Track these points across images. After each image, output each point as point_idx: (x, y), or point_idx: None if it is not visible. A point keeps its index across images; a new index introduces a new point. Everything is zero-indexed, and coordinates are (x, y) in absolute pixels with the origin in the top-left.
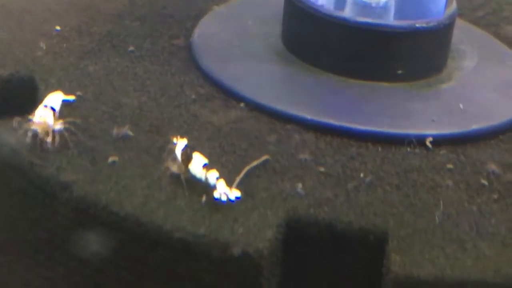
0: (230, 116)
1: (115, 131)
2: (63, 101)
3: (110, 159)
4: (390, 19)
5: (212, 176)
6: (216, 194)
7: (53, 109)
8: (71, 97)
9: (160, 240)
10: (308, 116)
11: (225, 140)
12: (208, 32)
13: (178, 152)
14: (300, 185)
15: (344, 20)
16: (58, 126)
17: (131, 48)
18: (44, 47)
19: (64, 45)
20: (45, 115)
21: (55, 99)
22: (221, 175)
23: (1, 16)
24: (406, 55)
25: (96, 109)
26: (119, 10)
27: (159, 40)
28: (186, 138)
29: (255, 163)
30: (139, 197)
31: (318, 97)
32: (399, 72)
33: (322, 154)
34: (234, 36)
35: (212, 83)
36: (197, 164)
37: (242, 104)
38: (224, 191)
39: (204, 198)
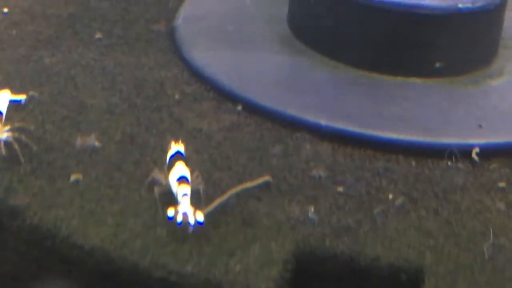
0: (224, 122)
1: (78, 141)
2: (11, 101)
3: (73, 178)
4: None
5: (181, 191)
6: (169, 213)
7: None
8: (21, 97)
9: (137, 280)
10: (323, 121)
11: (217, 152)
12: (195, 14)
13: (168, 158)
14: (312, 209)
15: (367, 0)
16: (4, 134)
17: (98, 35)
18: None
19: (14, 31)
20: None
21: (0, 99)
22: (207, 197)
23: None
24: (446, 44)
25: (54, 112)
26: None
27: (134, 25)
28: (180, 141)
29: (248, 184)
30: (109, 226)
31: (335, 98)
32: (437, 65)
33: (341, 169)
34: (228, 19)
35: (201, 79)
36: (173, 175)
37: (239, 107)
38: (184, 211)
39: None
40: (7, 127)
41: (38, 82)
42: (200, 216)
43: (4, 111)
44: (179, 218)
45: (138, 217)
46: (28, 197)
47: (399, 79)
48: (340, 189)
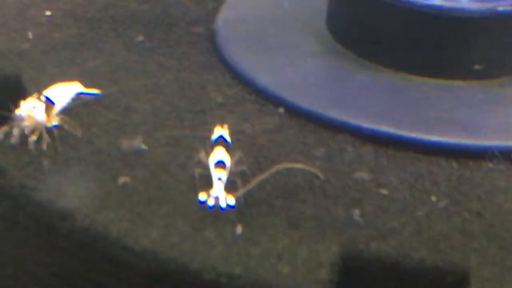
0: (266, 124)
1: (125, 144)
2: (80, 94)
3: (121, 180)
4: (465, 1)
5: (215, 175)
6: (201, 197)
7: (50, 101)
8: (95, 91)
9: (186, 282)
10: (364, 124)
11: (261, 155)
12: (234, 17)
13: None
14: (357, 212)
15: (407, 2)
16: (52, 123)
17: (139, 38)
18: (32, 38)
19: (56, 34)
20: (34, 107)
21: (62, 90)
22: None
23: None
24: (486, 46)
25: (100, 116)
26: None
27: (174, 28)
28: (226, 125)
29: (298, 165)
30: (158, 228)
31: (376, 100)
32: (477, 67)
33: (384, 172)
34: (268, 21)
35: (243, 82)
36: (212, 159)
37: (281, 109)
38: (217, 195)
39: (239, 229)
40: (58, 118)
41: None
42: (232, 200)
43: (60, 103)
44: (211, 202)
45: (187, 219)
46: (78, 200)
47: (440, 81)
48: (384, 191)
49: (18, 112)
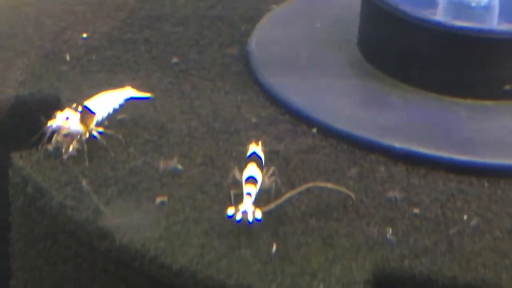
0: (300, 145)
1: (161, 164)
2: (130, 99)
3: (158, 200)
4: (494, 23)
5: (245, 190)
6: (229, 211)
7: (90, 111)
8: (146, 95)
9: None
10: (397, 144)
11: (294, 174)
12: (267, 39)
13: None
14: (390, 231)
15: (438, 24)
16: (93, 132)
17: (174, 59)
18: (69, 59)
19: (93, 56)
20: (67, 118)
21: (106, 99)
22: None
23: (15, 21)
24: None
25: (137, 136)
26: (157, 12)
27: (208, 49)
28: (260, 142)
29: (329, 185)
30: (194, 247)
31: (407, 120)
32: (507, 87)
33: (416, 191)
34: (300, 43)
35: (276, 103)
36: (244, 175)
37: (314, 130)
38: (245, 209)
39: (274, 248)
40: (99, 129)
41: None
42: (259, 214)
43: (103, 112)
44: (238, 216)
45: (223, 238)
46: (116, 219)
47: (470, 101)
48: (416, 210)
49: (51, 123)
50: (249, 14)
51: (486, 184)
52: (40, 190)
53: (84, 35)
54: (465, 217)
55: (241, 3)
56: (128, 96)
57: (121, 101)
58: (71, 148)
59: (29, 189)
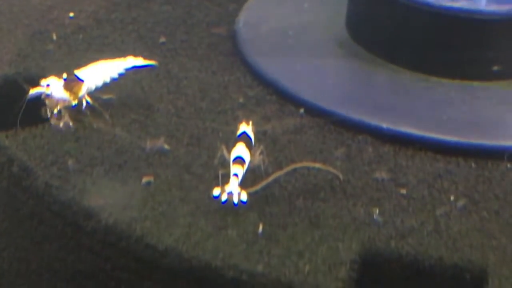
0: (287, 125)
1: (148, 144)
2: (133, 68)
3: (144, 180)
4: (483, 3)
5: (232, 170)
6: (215, 192)
7: (78, 79)
8: (151, 62)
9: (209, 280)
10: (384, 124)
11: (282, 154)
12: (255, 18)
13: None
14: (377, 211)
15: (427, 4)
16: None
17: (161, 39)
18: (56, 39)
19: (80, 36)
20: (48, 85)
21: (102, 68)
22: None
23: (1, 0)
24: (504, 47)
25: (123, 116)
26: None
27: (196, 29)
28: (251, 122)
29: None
30: (181, 227)
31: (395, 101)
32: (495, 68)
33: (403, 172)
34: (288, 23)
35: (263, 83)
36: (232, 155)
37: (301, 110)
38: (231, 190)
39: (261, 228)
40: (88, 99)
41: (105, 86)
42: (244, 196)
43: (96, 81)
44: (224, 198)
45: (209, 218)
46: (102, 199)
47: (458, 82)
48: (403, 191)
49: (32, 91)
50: None
51: (473, 165)
52: (25, 170)
53: (71, 14)
54: (452, 198)
55: None
56: (130, 65)
57: (121, 70)
58: (61, 120)
59: (14, 169)
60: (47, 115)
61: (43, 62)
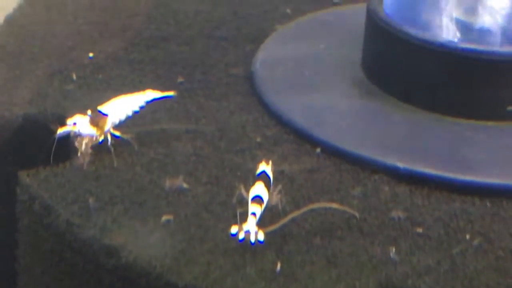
0: (304, 164)
1: (167, 183)
2: (152, 101)
3: (164, 218)
4: (497, 44)
5: (250, 209)
6: (233, 230)
7: (102, 114)
8: (168, 93)
9: None
10: (400, 164)
11: (299, 194)
12: (271, 59)
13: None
14: (393, 250)
15: (441, 45)
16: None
17: (179, 79)
18: (76, 79)
19: (100, 76)
20: (74, 123)
21: (122, 103)
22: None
23: (22, 40)
24: None
25: (143, 155)
26: (162, 32)
27: (213, 69)
28: (270, 161)
29: (333, 205)
30: (200, 265)
31: (411, 140)
32: (510, 108)
33: (419, 211)
34: (304, 63)
35: (280, 123)
36: (251, 194)
37: (318, 149)
38: (248, 229)
39: (279, 266)
40: (115, 132)
41: (125, 125)
42: (261, 235)
43: (118, 115)
44: (241, 236)
45: (228, 256)
46: (123, 237)
47: (472, 122)
48: (419, 230)
49: (60, 131)
50: (253, 34)
51: (488, 204)
52: (47, 208)
53: (91, 55)
54: (467, 236)
55: (246, 24)
56: (150, 98)
57: (142, 103)
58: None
59: (36, 207)
60: (79, 152)
61: (64, 102)
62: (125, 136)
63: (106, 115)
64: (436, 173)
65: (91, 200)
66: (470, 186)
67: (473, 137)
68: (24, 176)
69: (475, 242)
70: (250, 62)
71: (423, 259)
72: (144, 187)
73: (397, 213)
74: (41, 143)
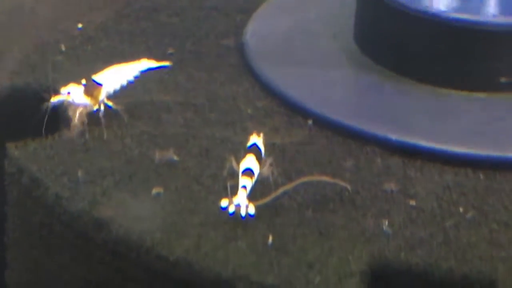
0: (295, 136)
1: (157, 155)
2: (147, 70)
3: (154, 191)
4: (490, 14)
5: (241, 182)
6: (223, 203)
7: (97, 83)
8: (164, 63)
9: None
10: (393, 136)
11: (290, 166)
12: (263, 30)
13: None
14: (386, 223)
15: (434, 15)
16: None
17: (170, 50)
18: (65, 50)
19: (89, 47)
20: (68, 93)
21: (117, 72)
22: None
23: (9, 11)
24: (511, 59)
25: (132, 127)
26: (153, 3)
27: (204, 40)
28: (262, 134)
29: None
30: (191, 238)
31: (403, 112)
32: (503, 79)
33: (412, 183)
34: (296, 34)
35: (272, 94)
36: (241, 166)
37: (310, 121)
38: (238, 203)
39: (270, 239)
40: (108, 102)
41: (114, 96)
42: (252, 209)
43: (113, 84)
44: (231, 209)
45: (219, 229)
46: (113, 210)
47: (465, 93)
48: (412, 202)
49: (53, 100)
50: (244, 5)
51: (482, 176)
52: (35, 180)
53: (80, 26)
54: (461, 209)
55: None
56: (145, 68)
57: (136, 73)
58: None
59: (24, 180)
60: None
61: (52, 73)
62: (118, 107)
63: (100, 84)
64: (429, 144)
65: (80, 173)
66: (463, 158)
67: (466, 109)
68: (13, 149)
69: (468, 214)
70: (241, 33)
71: (416, 232)
72: (134, 159)
73: (390, 186)
74: (29, 115)
